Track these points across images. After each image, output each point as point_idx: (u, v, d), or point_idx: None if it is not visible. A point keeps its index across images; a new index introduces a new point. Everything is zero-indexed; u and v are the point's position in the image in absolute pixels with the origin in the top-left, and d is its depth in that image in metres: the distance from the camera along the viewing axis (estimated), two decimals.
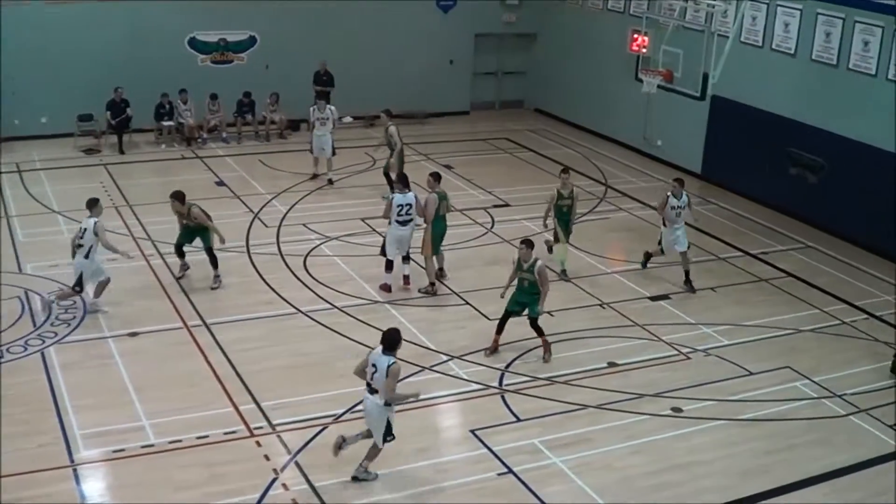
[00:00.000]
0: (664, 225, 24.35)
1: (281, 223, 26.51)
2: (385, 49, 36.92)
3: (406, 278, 23.08)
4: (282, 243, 25.29)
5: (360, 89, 35.53)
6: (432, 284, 22.98)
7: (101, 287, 21.29)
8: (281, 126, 34.69)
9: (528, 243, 20.04)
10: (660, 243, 24.55)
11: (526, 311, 20.26)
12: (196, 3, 33.90)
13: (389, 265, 23.05)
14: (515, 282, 20.33)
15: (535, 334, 20.43)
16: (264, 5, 34.73)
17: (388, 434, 15.55)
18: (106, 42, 32.87)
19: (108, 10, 32.77)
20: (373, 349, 15.49)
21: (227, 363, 19.24)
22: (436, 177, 23.28)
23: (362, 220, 26.86)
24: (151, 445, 16.49)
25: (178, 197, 22.63)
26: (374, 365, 15.23)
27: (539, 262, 19.95)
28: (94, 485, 15.66)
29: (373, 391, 15.33)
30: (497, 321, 20.59)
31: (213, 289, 22.62)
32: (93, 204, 21.17)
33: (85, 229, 20.84)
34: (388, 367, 15.07)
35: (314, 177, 30.21)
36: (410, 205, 22.53)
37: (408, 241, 22.98)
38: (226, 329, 20.63)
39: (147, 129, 33.40)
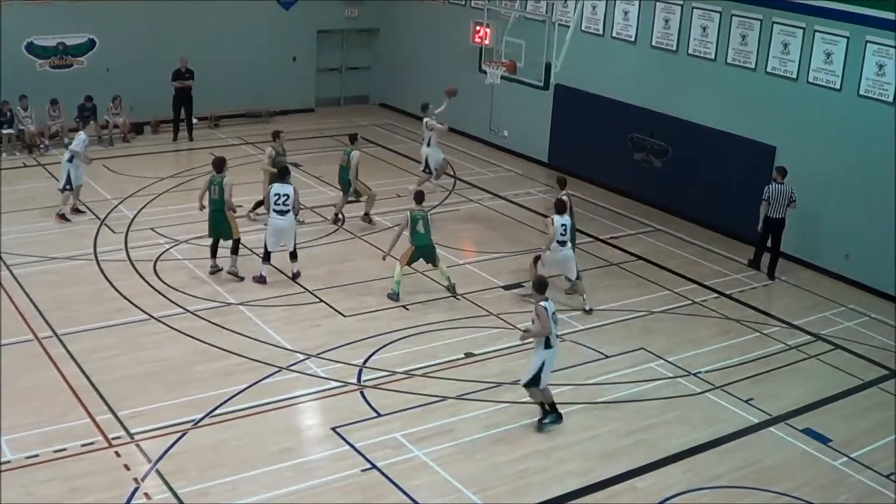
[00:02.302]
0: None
1: (129, 228, 26.07)
2: (226, 47, 36.51)
3: (296, 274, 23.28)
4: (130, 249, 24.86)
5: (201, 88, 35.05)
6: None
7: None
8: (124, 130, 34.11)
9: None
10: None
11: None
12: (32, 7, 33.14)
13: (267, 257, 23.07)
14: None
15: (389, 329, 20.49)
16: (102, 6, 34.08)
17: None
18: None
19: None
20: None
21: (80, 374, 18.82)
22: (418, 198, 23.50)
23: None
24: (8, 462, 16.05)
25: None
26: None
27: None
28: None
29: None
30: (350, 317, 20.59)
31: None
32: None
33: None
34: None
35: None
36: (288, 195, 22.43)
37: (287, 234, 22.99)
38: (77, 339, 20.19)
39: None
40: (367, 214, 27.19)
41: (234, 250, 23.33)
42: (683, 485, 16.46)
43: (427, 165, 28.43)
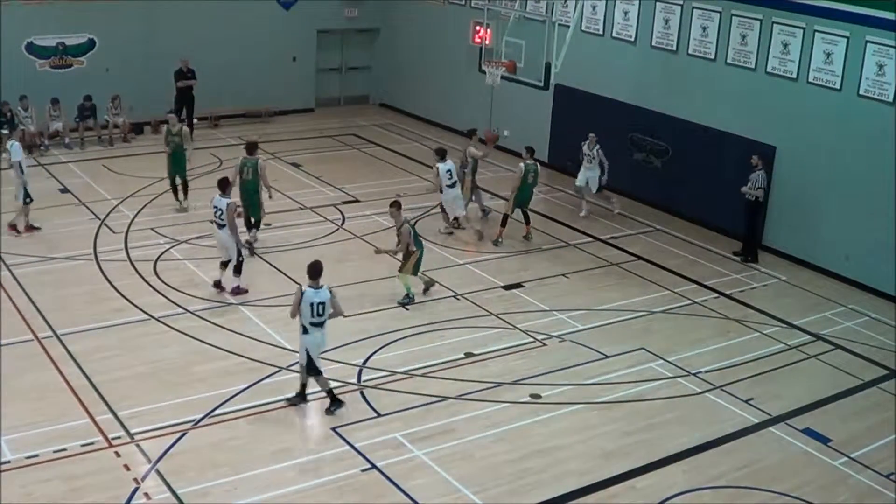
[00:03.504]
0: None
1: (129, 229, 26.05)
2: (226, 47, 36.46)
3: (217, 283, 22.82)
4: (130, 249, 24.85)
5: (201, 88, 35.01)
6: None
7: None
8: (124, 129, 34.10)
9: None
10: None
11: None
12: (32, 7, 33.13)
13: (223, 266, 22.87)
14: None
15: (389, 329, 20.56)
16: (102, 6, 34.05)
17: None
18: None
19: None
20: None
21: (80, 374, 18.82)
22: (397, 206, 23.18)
23: (211, 221, 26.51)
24: (8, 462, 16.05)
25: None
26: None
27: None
28: None
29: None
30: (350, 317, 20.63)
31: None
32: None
33: None
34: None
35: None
36: (220, 209, 22.09)
37: (223, 246, 22.59)
38: (78, 339, 20.19)
39: None
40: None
41: (257, 226, 25.43)
42: (683, 485, 16.46)
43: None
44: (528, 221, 26.89)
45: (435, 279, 23.34)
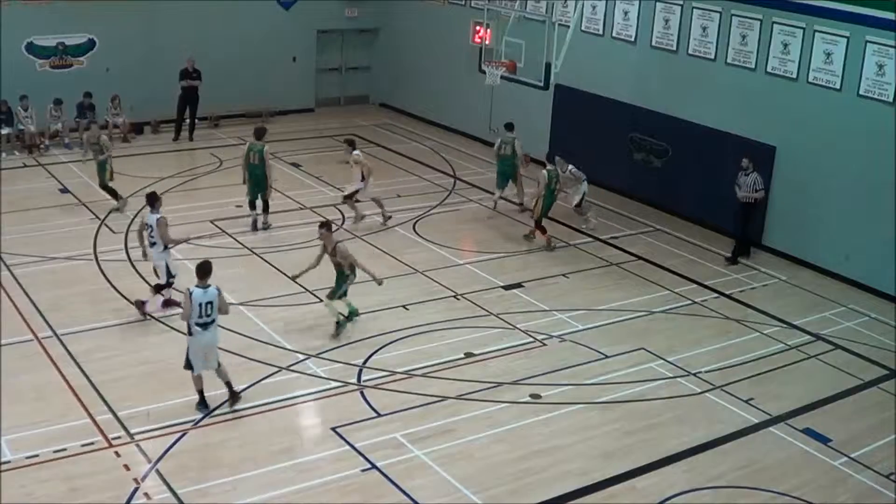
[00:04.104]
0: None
1: (128, 228, 26.03)
2: (226, 47, 36.45)
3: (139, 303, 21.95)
4: (130, 249, 24.83)
5: (202, 88, 35.05)
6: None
7: None
8: (124, 129, 34.11)
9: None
10: None
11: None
12: (31, 7, 33.14)
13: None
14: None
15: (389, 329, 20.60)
16: (102, 6, 34.03)
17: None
18: None
19: None
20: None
21: (80, 374, 18.83)
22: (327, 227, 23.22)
23: (211, 221, 26.59)
24: (8, 462, 16.06)
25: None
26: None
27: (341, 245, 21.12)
28: None
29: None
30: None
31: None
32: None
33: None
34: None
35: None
36: (151, 226, 21.49)
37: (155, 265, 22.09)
38: (77, 339, 20.20)
39: None
40: None
41: (265, 208, 26.65)
42: (684, 485, 16.46)
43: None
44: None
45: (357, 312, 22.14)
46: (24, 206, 25.90)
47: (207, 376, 17.78)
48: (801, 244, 26.27)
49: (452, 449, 17.04)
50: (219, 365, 17.96)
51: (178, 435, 17.04)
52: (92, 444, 16.70)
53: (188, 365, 17.74)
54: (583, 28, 30.84)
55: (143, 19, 35.05)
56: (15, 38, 33.24)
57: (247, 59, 37.07)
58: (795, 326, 22.68)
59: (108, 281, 23.03)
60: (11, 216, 25.46)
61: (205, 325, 17.58)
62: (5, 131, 32.25)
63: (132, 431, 17.06)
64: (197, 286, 17.59)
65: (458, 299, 22.94)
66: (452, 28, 34.96)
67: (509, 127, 28.96)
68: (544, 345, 21.11)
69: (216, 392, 18.17)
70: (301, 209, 28.25)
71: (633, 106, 30.23)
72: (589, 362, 20.43)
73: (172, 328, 20.82)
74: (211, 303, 17.52)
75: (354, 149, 27.11)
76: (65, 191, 28.75)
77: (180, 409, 17.78)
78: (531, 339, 21.26)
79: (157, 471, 16.04)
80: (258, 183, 26.57)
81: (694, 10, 28.22)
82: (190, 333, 17.59)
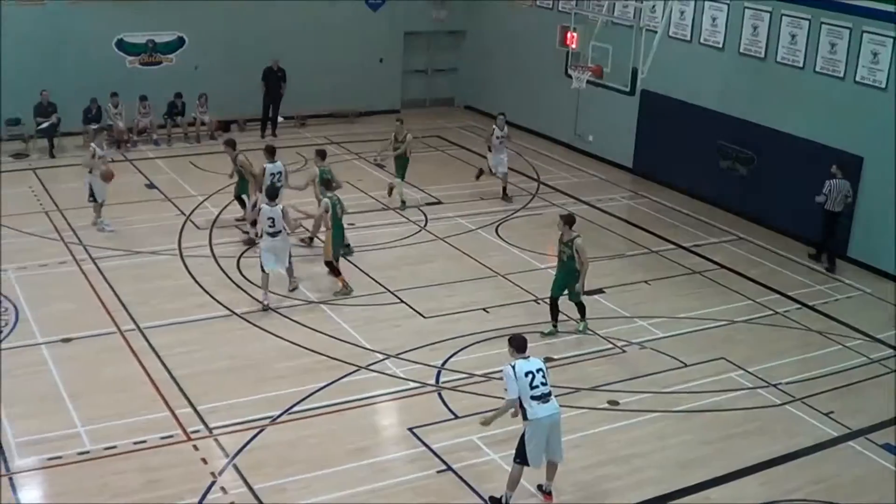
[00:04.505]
0: (489, 151, 29.87)
1: (213, 225, 26.32)
2: (314, 48, 36.75)
3: None
4: (214, 245, 25.11)
5: (289, 88, 35.35)
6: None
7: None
8: (211, 127, 34.45)
9: (565, 219, 20.99)
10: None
11: (566, 293, 21.28)
12: (123, 4, 33.55)
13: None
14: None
15: (469, 331, 20.78)
16: (191, 5, 34.42)
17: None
18: (33, 45, 32.24)
19: (34, 14, 32.22)
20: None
21: (161, 367, 19.07)
22: (327, 185, 23.68)
23: (294, 220, 26.70)
24: (87, 452, 16.30)
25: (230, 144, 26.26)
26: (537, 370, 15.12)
27: (578, 239, 20.69)
28: (31, 493, 15.47)
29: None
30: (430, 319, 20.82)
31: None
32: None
33: None
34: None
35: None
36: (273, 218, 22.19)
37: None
38: (160, 333, 20.45)
39: (77, 133, 32.97)
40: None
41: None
42: (759, 497, 16.30)
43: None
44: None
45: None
46: (110, 201, 26.18)
47: (290, 373, 17.87)
48: (887, 256, 25.91)
49: None
50: (290, 265, 22.38)
51: (256, 431, 17.18)
52: (171, 437, 16.89)
53: (261, 266, 21.76)
54: (670, 34, 30.64)
55: (232, 19, 35.37)
56: (106, 35, 33.72)
57: (334, 59, 37.29)
58: (878, 340, 22.39)
59: (192, 276, 23.26)
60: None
61: (273, 234, 21.68)
62: (94, 127, 32.67)
63: (211, 426, 17.23)
64: (266, 204, 21.74)
65: (538, 303, 22.87)
66: (539, 31, 34.92)
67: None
68: (624, 351, 21.03)
69: (294, 389, 18.34)
70: (385, 209, 28.36)
71: (720, 113, 29.99)
72: (668, 370, 20.31)
73: (254, 325, 21.01)
74: (273, 218, 21.51)
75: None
76: (151, 186, 29.10)
77: (259, 405, 17.93)
78: (611, 346, 21.19)
79: (235, 465, 16.19)
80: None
81: (783, 17, 27.95)
82: (260, 237, 21.99)
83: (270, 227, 21.72)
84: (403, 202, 28.71)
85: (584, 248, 20.82)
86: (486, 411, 16.29)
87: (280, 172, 23.77)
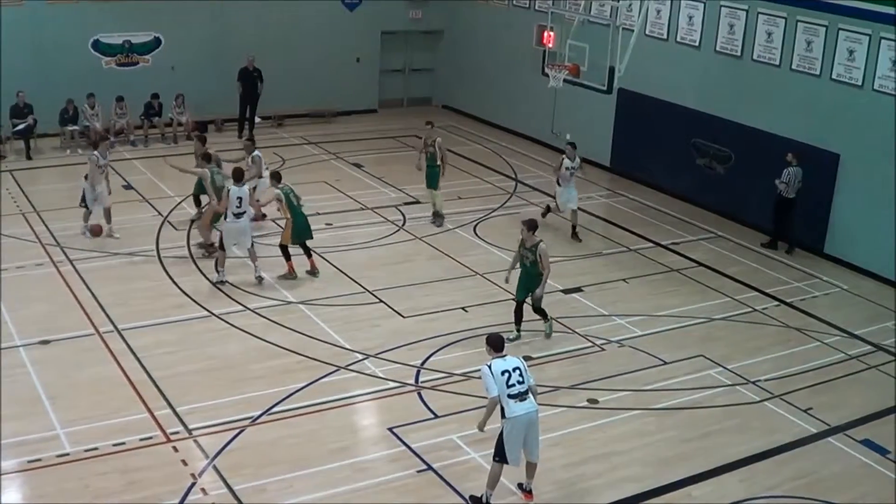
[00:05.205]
0: (558, 185, 27.20)
1: (191, 226, 26.21)
2: (291, 48, 36.72)
3: None
4: (192, 246, 25.04)
5: (266, 88, 35.30)
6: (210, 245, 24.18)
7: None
8: (188, 128, 34.35)
9: (527, 224, 20.75)
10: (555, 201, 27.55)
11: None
12: (99, 5, 33.47)
13: None
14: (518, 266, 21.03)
15: (448, 331, 20.89)
16: (168, 6, 34.35)
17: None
18: (9, 46, 32.02)
19: (10, 14, 32.03)
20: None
21: (140, 369, 19.01)
22: (276, 177, 23.91)
23: (273, 220, 26.68)
24: (67, 454, 16.24)
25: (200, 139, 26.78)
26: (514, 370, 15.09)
27: (542, 245, 20.47)
28: (11, 496, 15.36)
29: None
30: (410, 318, 20.81)
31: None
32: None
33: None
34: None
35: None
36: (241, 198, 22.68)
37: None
38: (138, 334, 20.39)
39: (53, 134, 32.85)
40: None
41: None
42: (740, 494, 16.35)
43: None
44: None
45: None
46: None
47: (269, 373, 17.84)
48: (864, 253, 26.03)
49: None
50: (252, 247, 23.08)
51: (236, 432, 17.14)
52: (150, 438, 16.84)
53: (221, 245, 22.84)
54: (647, 32, 30.71)
55: (209, 19, 35.36)
56: (82, 36, 33.63)
57: (311, 59, 37.28)
58: (856, 336, 22.48)
59: (170, 277, 23.21)
60: (75, 211, 25.66)
61: (238, 216, 22.55)
62: (71, 128, 32.61)
63: (190, 427, 17.19)
64: (234, 185, 22.46)
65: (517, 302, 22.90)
66: (516, 31, 34.98)
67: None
68: (603, 350, 21.06)
69: (273, 390, 18.34)
70: (363, 209, 28.34)
71: (697, 111, 30.08)
72: (647, 368, 20.35)
73: (233, 325, 20.98)
74: (241, 197, 22.39)
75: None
76: (129, 187, 29.02)
77: (239, 406, 17.90)
78: (589, 344, 21.22)
79: (215, 466, 16.15)
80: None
81: (759, 15, 28.03)
82: (226, 219, 22.55)
83: (238, 207, 22.56)
84: (438, 214, 27.78)
85: (548, 253, 20.74)
86: (466, 411, 16.31)
87: (243, 198, 23.22)
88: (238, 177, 22.89)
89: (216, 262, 23.01)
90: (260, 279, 23.08)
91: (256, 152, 26.47)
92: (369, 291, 23.02)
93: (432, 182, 27.56)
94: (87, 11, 33.37)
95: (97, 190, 25.15)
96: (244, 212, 22.68)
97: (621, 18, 27.40)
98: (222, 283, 22.84)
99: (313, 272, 23.65)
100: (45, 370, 18.81)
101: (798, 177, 26.38)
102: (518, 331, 21.17)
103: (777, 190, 26.66)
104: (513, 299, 21.49)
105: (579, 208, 27.45)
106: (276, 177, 23.86)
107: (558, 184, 27.28)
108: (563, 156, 27.05)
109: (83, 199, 25.35)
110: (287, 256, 23.29)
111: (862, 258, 26.10)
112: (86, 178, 25.33)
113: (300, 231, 23.35)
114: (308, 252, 23.62)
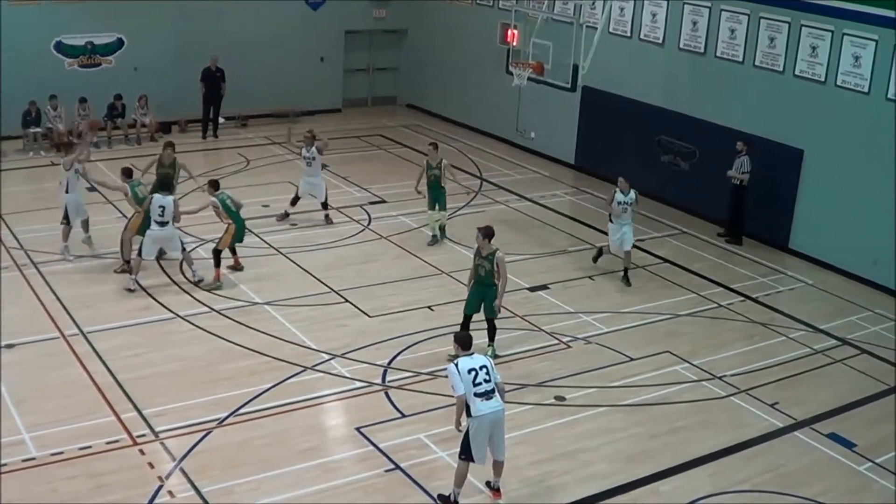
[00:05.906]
0: (611, 221, 24.65)
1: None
2: (255, 48, 36.59)
3: None
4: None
5: (230, 88, 35.21)
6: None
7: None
8: (151, 129, 34.22)
9: (483, 231, 19.92)
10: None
11: (482, 310, 20.14)
12: (61, 6, 33.28)
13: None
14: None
15: (414, 330, 20.89)
16: (130, 6, 34.16)
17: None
18: None
19: None
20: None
21: (106, 371, 18.90)
22: (214, 184, 23.86)
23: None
24: (33, 458, 16.12)
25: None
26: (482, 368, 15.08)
27: (499, 253, 19.76)
28: None
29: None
30: (376, 318, 20.93)
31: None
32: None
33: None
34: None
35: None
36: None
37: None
38: (103, 337, 20.28)
39: (16, 136, 32.65)
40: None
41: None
42: (708, 488, 16.41)
43: None
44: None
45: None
46: (51, 205, 25.90)
47: (235, 374, 17.76)
48: (829, 248, 26.18)
49: None
50: (183, 251, 23.15)
51: (203, 433, 17.07)
52: (117, 441, 16.74)
53: (139, 252, 22.82)
54: (611, 30, 30.81)
55: (172, 19, 35.19)
56: (44, 37, 33.41)
57: (275, 59, 37.15)
58: (822, 331, 22.59)
59: (135, 279, 23.09)
60: (39, 214, 25.58)
61: (162, 224, 22.50)
62: (33, 130, 32.42)
63: (157, 429, 17.11)
64: (159, 194, 22.77)
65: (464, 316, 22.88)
66: (480, 29, 35.02)
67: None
68: (569, 347, 21.09)
69: (240, 391, 18.28)
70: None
71: (661, 108, 30.18)
72: (614, 365, 20.40)
73: (198, 327, 20.90)
74: (164, 206, 22.34)
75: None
76: (92, 189, 28.76)
77: (205, 408, 17.83)
78: (556, 342, 21.24)
79: (182, 469, 16.07)
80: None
81: (722, 12, 28.15)
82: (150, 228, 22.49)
83: (160, 216, 22.56)
84: (440, 230, 26.61)
85: (505, 262, 19.91)
86: (433, 410, 16.31)
87: (165, 207, 22.93)
88: (165, 185, 23.83)
89: (131, 269, 22.85)
90: (199, 280, 23.01)
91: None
92: (335, 291, 22.98)
93: (442, 203, 26.29)
94: (50, 13, 33.17)
95: (78, 200, 24.61)
96: (167, 221, 22.55)
97: (585, 16, 27.52)
98: (132, 290, 22.54)
99: (238, 267, 23.86)
100: (9, 374, 18.65)
101: (749, 165, 26.84)
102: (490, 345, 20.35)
103: (736, 181, 26.97)
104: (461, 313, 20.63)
105: (634, 246, 25.06)
106: (213, 185, 23.77)
107: (610, 220, 24.70)
108: (616, 188, 24.60)
109: (65, 216, 24.46)
110: (217, 263, 23.25)
111: (827, 253, 26.24)
112: (68, 191, 24.47)
113: (240, 236, 23.56)
114: (234, 250, 23.88)
